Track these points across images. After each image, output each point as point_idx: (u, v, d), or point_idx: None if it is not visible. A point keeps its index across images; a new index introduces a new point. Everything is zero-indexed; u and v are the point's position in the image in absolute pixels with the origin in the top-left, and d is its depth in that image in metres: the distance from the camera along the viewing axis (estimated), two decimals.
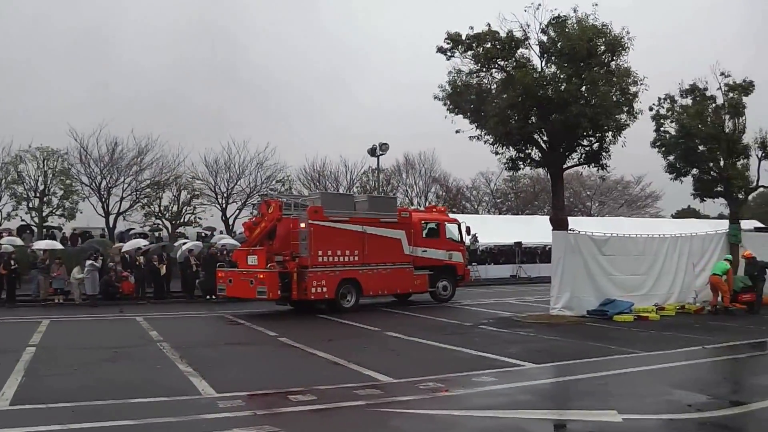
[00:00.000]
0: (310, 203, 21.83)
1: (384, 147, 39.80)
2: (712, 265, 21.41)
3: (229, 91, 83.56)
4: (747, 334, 15.64)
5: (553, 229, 19.82)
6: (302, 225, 20.65)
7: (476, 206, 66.45)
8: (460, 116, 20.22)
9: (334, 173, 58.45)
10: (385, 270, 22.23)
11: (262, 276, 19.85)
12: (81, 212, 45.81)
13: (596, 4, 18.78)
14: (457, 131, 20.34)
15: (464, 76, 20.05)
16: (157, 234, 43.29)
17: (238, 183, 50.35)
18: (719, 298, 20.26)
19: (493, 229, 40.46)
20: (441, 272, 24.31)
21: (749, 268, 20.83)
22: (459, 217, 30.18)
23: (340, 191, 52.85)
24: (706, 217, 60.08)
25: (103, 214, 44.99)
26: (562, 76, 18.91)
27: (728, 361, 12.86)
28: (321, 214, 20.77)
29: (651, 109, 22.70)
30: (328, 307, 20.96)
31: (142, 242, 29.85)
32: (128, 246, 28.58)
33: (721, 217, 45.28)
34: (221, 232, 42.40)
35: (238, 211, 50.60)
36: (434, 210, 27.66)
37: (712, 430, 7.46)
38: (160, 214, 48.85)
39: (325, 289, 20.55)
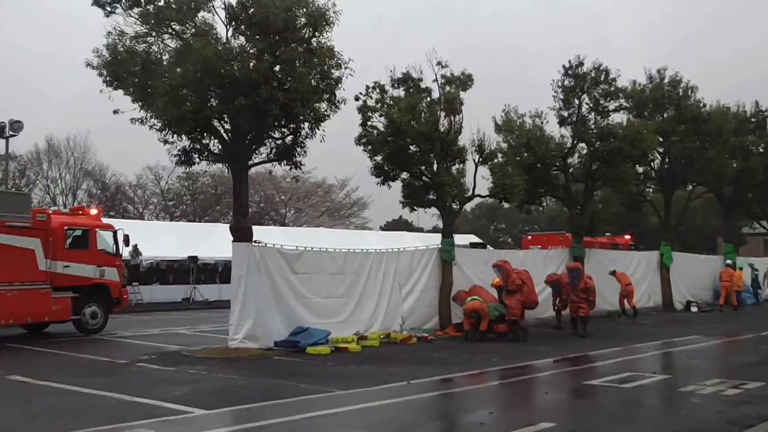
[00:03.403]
0: None
1: (16, 126, 37.41)
2: (423, 286, 23.87)
3: None
4: (455, 366, 17.10)
5: (233, 240, 20.14)
6: None
7: (141, 210, 65.73)
8: (121, 92, 19.77)
9: None
10: (11, 292, 21.06)
11: None
12: None
13: None
14: (115, 111, 19.75)
15: (128, 41, 19.66)
16: None
17: None
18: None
19: (162, 240, 40.44)
20: (90, 294, 23.75)
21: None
22: (117, 222, 29.84)
23: None
24: (420, 230, 65.28)
25: None
26: (251, 51, 19.33)
27: (435, 397, 14.05)
28: None
29: (357, 98, 23.82)
30: None
31: None
32: None
33: (436, 230, 49.47)
34: None
35: None
36: (82, 213, 26.73)
37: None
38: None
39: None
